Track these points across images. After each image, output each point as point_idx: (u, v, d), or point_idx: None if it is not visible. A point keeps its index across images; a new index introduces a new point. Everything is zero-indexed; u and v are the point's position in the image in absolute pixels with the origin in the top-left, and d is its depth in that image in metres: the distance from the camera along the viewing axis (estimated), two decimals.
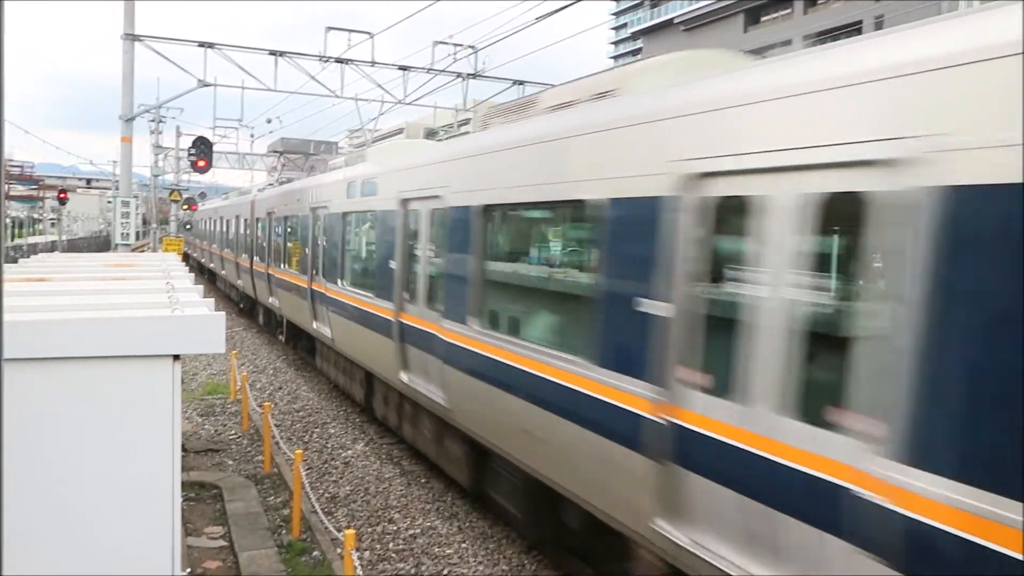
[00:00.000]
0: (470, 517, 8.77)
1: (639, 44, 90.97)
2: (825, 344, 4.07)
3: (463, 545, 8.02)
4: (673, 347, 4.86)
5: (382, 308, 10.21)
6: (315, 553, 7.63)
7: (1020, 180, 3.07)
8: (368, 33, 21.62)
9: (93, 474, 3.93)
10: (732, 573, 4.37)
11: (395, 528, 8.42)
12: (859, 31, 44.64)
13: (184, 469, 7.99)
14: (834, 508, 3.74)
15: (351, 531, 6.18)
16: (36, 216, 60.11)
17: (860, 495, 3.63)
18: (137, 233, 20.27)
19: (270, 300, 19.49)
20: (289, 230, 17.37)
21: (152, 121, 34.32)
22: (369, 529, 8.36)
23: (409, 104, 24.10)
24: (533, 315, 7.53)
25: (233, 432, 12.03)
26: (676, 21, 75.23)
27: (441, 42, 22.86)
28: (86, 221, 68.52)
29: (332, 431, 12.21)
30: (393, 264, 9.96)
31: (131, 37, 17.99)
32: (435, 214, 8.87)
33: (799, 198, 4.06)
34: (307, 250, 14.85)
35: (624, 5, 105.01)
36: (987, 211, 3.22)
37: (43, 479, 3.78)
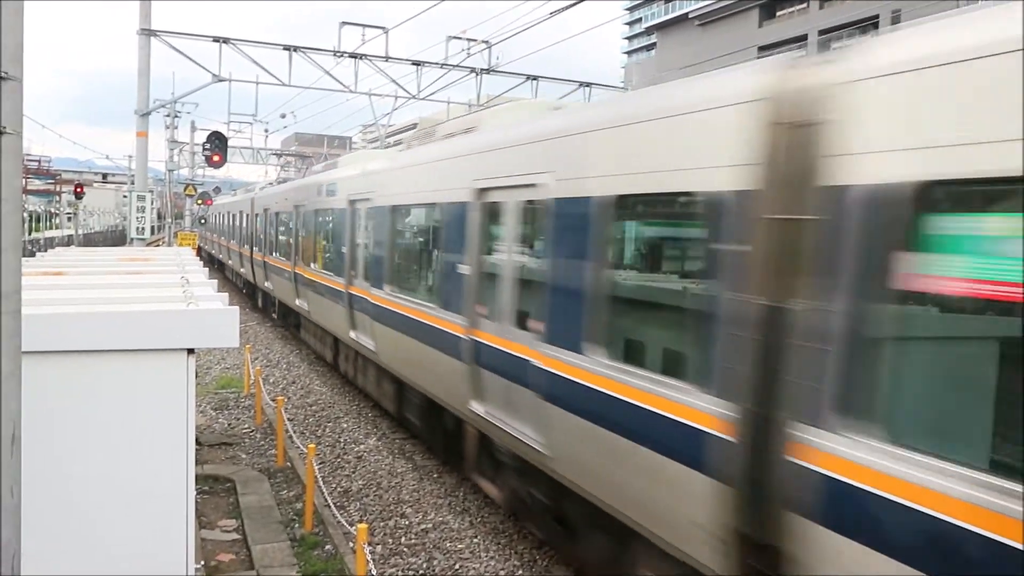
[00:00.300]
0: (482, 512, 8.78)
1: (653, 39, 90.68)
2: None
3: (475, 540, 8.04)
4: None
5: (447, 322, 8.50)
6: (327, 547, 7.67)
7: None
8: (382, 28, 21.62)
9: (109, 467, 3.96)
10: (506, 429, 7.20)
11: (407, 523, 8.44)
12: (876, 26, 44.26)
13: (198, 462, 8.04)
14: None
15: (363, 525, 6.21)
16: (53, 210, 60.54)
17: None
18: (152, 228, 20.36)
19: (297, 302, 17.74)
20: (319, 226, 15.85)
21: (167, 116, 34.48)
22: (381, 523, 8.39)
23: (423, 99, 24.10)
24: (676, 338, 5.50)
25: (247, 426, 12.10)
26: (690, 16, 74.88)
27: (455, 37, 22.83)
28: (102, 215, 68.99)
29: (345, 426, 12.26)
30: (464, 269, 8.20)
31: (147, 32, 18.07)
32: (529, 208, 7.14)
33: (517, 204, 7.22)
34: (344, 249, 13.24)
35: (638, 0, 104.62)
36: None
37: (59, 471, 3.81)
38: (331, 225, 14.67)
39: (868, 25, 48.20)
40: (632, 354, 5.66)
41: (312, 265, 15.81)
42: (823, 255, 3.95)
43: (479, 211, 7.99)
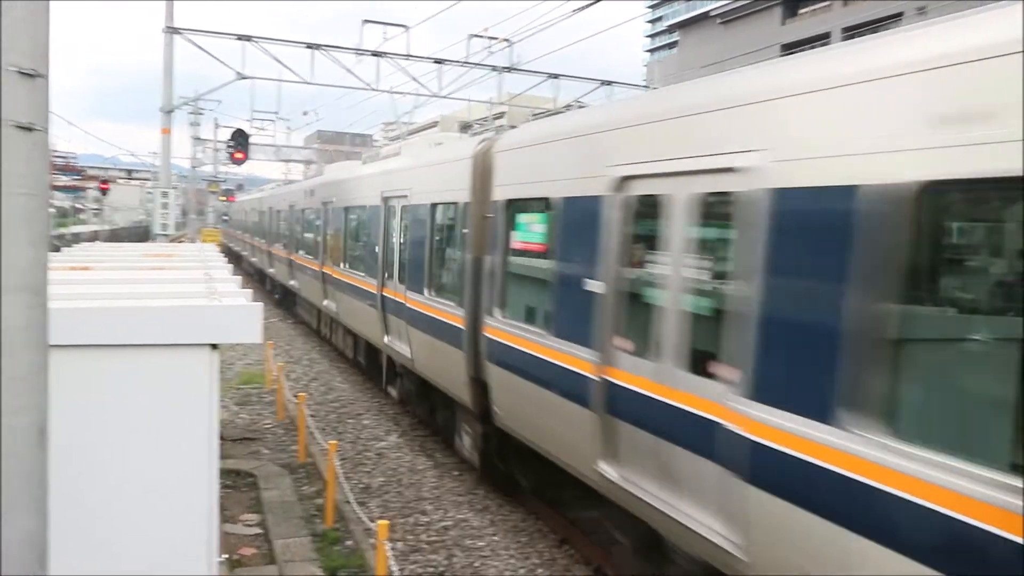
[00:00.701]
0: (502, 510, 8.78)
1: (675, 37, 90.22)
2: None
3: (495, 538, 8.04)
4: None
5: (569, 357, 6.62)
6: (348, 542, 7.69)
7: None
8: (404, 26, 21.68)
9: (134, 460, 3.99)
10: (659, 507, 5.56)
11: (427, 520, 8.45)
12: (899, 23, 43.79)
13: (221, 457, 8.09)
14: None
15: (384, 522, 6.21)
16: (79, 206, 61.26)
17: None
18: (176, 224, 20.55)
19: (324, 303, 17.09)
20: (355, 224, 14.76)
21: (191, 113, 34.79)
22: (402, 520, 8.41)
23: (444, 97, 24.13)
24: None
25: (269, 421, 12.17)
26: (712, 15, 74.43)
27: (476, 35, 22.86)
28: (127, 211, 69.67)
29: (366, 422, 12.30)
30: (593, 286, 6.26)
31: (172, 31, 18.23)
32: (712, 203, 5.20)
33: (692, 198, 5.35)
34: (423, 254, 10.55)
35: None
36: None
37: (84, 464, 3.84)
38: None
39: (892, 22, 47.69)
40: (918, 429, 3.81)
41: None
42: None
43: (620, 208, 6.03)
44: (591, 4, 17.12)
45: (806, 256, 4.37)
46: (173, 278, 5.60)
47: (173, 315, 4.01)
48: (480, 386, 8.72)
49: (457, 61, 22.81)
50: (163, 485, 4.01)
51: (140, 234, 50.39)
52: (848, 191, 4.03)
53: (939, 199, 3.83)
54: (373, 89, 22.83)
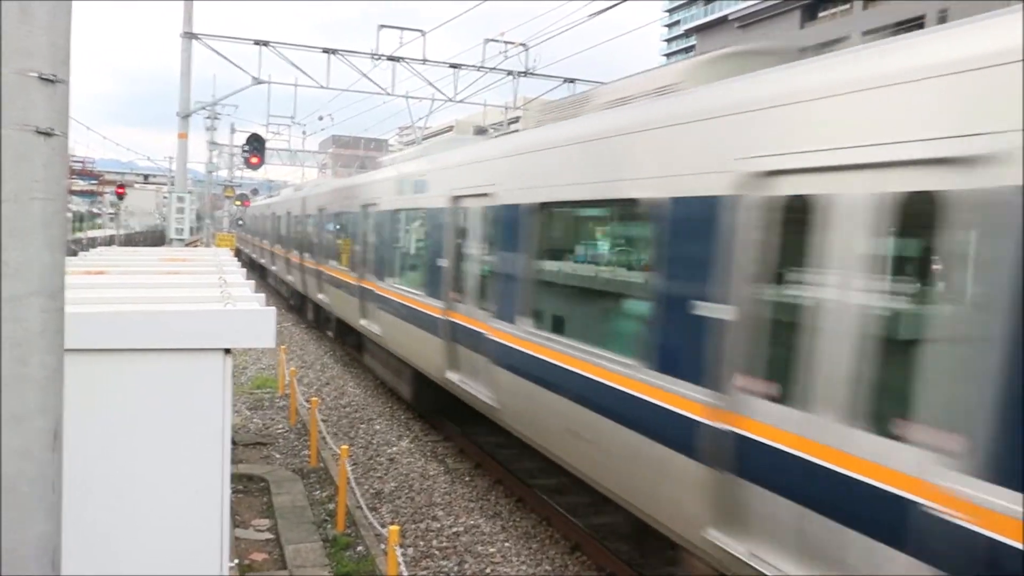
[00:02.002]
0: (513, 516, 8.76)
1: (692, 42, 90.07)
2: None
3: (506, 544, 8.02)
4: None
5: (671, 396, 5.39)
6: (359, 548, 7.69)
7: None
8: (420, 31, 21.75)
9: (146, 464, 4.00)
10: None
11: (439, 525, 8.44)
12: (921, 26, 43.49)
13: (233, 461, 8.12)
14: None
15: (395, 527, 6.21)
16: (95, 210, 61.76)
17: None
18: (191, 228, 20.67)
19: (362, 322, 14.52)
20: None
21: (208, 118, 35.01)
22: (413, 526, 8.40)
23: (459, 102, 24.18)
24: None
25: (281, 426, 12.20)
26: (731, 18, 74.27)
27: (492, 40, 22.89)
28: (142, 216, 70.19)
29: (378, 427, 12.31)
30: (712, 310, 5.00)
31: (189, 36, 18.36)
32: (922, 204, 3.83)
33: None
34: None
35: (678, 2, 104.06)
36: None
37: (96, 468, 3.86)
38: (425, 230, 11.18)
39: (913, 25, 47.43)
40: None
41: (388, 280, 12.50)
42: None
43: (758, 211, 4.72)
44: (607, 8, 17.12)
45: None
46: (187, 282, 5.62)
47: (187, 320, 4.03)
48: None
49: (473, 66, 22.86)
50: (175, 489, 4.02)
51: (156, 238, 50.74)
52: None
53: None
54: (389, 94, 22.92)
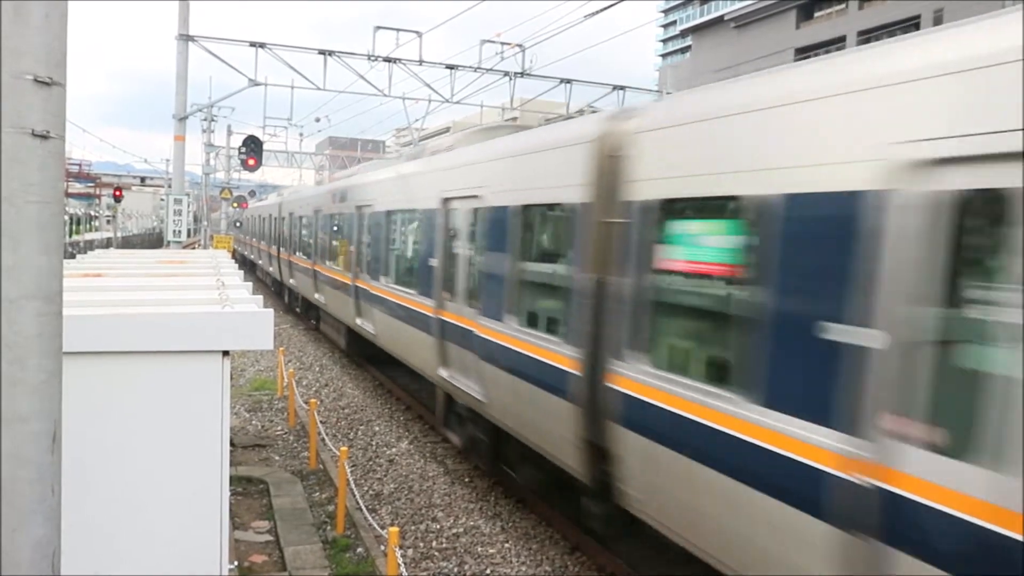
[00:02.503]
0: (513, 517, 8.75)
1: (688, 42, 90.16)
2: None
3: (506, 545, 8.01)
4: None
5: (789, 440, 4.39)
6: (359, 550, 7.69)
7: None
8: (416, 32, 21.73)
9: (144, 467, 4.00)
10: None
11: (438, 527, 8.44)
12: (917, 27, 43.59)
13: (232, 464, 8.11)
14: None
15: (395, 529, 6.21)
16: (93, 213, 61.70)
17: None
18: (188, 230, 20.66)
19: (357, 321, 14.83)
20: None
21: (204, 120, 34.99)
22: (412, 527, 8.39)
23: (456, 103, 24.18)
24: None
25: (280, 428, 12.19)
26: (726, 18, 74.35)
27: (489, 41, 22.89)
28: (140, 218, 70.19)
29: (377, 429, 12.30)
30: (852, 335, 4.04)
31: (185, 38, 18.34)
32: None
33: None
34: (504, 273, 8.09)
35: (673, 3, 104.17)
36: None
37: (95, 471, 3.85)
38: (416, 231, 11.41)
39: (909, 26, 47.48)
40: None
41: (382, 280, 13.01)
42: (624, 247, 6.12)
43: (924, 210, 3.77)
44: (604, 9, 17.13)
45: None
46: (185, 285, 5.62)
47: (184, 322, 4.02)
48: (597, 453, 6.46)
49: (470, 67, 22.87)
50: (173, 492, 4.02)
51: (153, 240, 50.72)
52: None
53: None
54: (385, 95, 22.91)
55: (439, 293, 10.05)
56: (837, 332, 4.09)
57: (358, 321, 14.59)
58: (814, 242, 4.32)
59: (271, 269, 29.81)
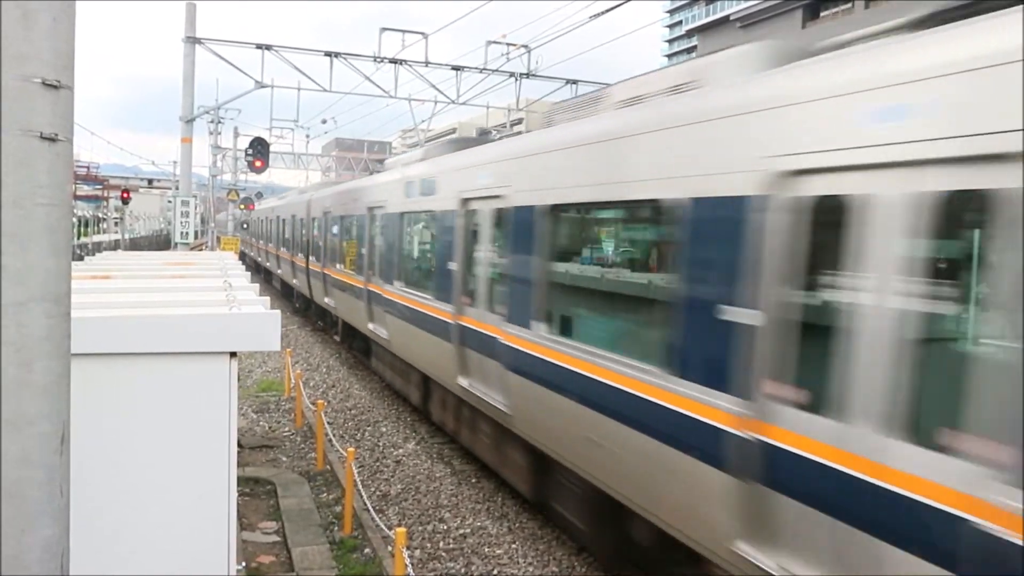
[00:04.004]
0: (520, 518, 8.75)
1: (694, 42, 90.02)
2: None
3: (513, 546, 8.01)
4: None
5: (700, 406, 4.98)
6: (366, 550, 7.70)
7: None
8: (422, 33, 21.77)
9: (152, 468, 4.01)
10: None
11: (445, 527, 8.44)
12: None
13: (239, 465, 8.13)
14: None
15: (402, 529, 6.22)
16: (100, 215, 61.87)
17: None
18: (196, 232, 20.72)
19: (370, 326, 14.26)
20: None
21: (211, 122, 35.06)
22: (420, 528, 8.40)
23: (462, 104, 24.20)
24: None
25: (287, 429, 12.21)
26: (732, 18, 74.19)
27: (494, 42, 22.91)
28: (147, 220, 70.35)
29: (384, 429, 12.31)
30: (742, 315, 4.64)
31: (192, 40, 18.40)
32: None
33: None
34: (533, 275, 7.51)
35: (679, 3, 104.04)
36: None
37: (103, 472, 3.87)
38: (436, 234, 10.67)
39: None
40: None
41: (397, 283, 12.37)
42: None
43: None
44: (609, 9, 17.10)
45: None
46: (192, 286, 5.63)
47: (192, 323, 4.03)
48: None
49: (475, 68, 22.88)
50: (181, 493, 4.03)
51: (161, 242, 50.85)
52: None
53: None
54: (391, 96, 22.94)
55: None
56: (730, 313, 4.77)
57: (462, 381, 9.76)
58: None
59: (295, 282, 25.31)
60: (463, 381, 9.38)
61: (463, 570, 7.47)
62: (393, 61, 21.62)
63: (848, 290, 4.11)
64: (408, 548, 6.43)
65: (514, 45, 22.77)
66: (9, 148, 2.23)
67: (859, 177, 4.03)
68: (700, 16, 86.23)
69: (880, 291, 3.90)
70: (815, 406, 4.27)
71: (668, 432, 5.34)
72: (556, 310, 7.37)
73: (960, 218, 3.78)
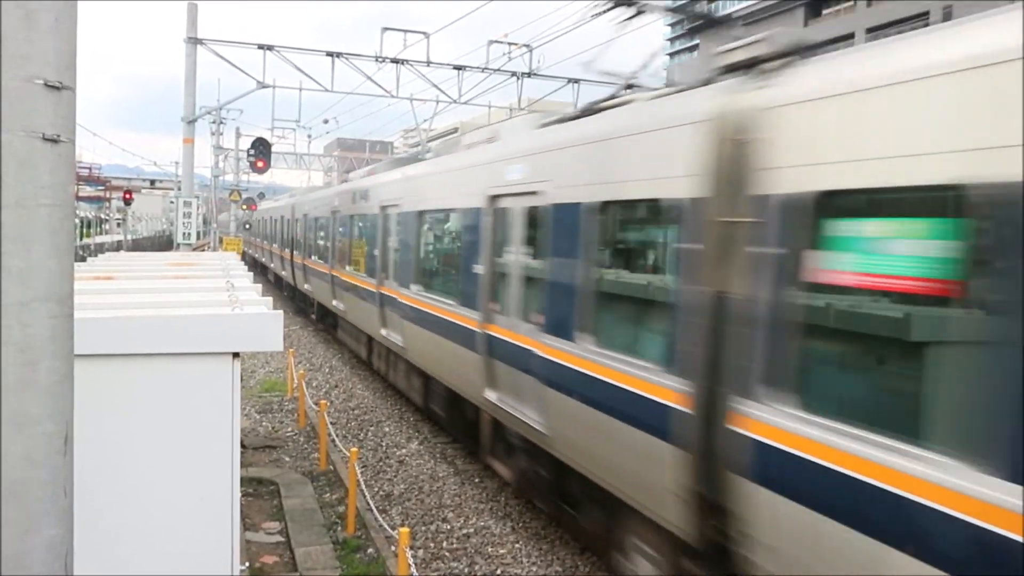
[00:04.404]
0: (523, 517, 8.75)
1: (696, 41, 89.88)
2: None
3: (516, 545, 8.01)
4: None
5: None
6: (369, 550, 7.70)
7: None
8: (423, 33, 21.77)
9: (155, 468, 4.01)
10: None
11: (449, 527, 8.44)
12: (926, 24, 43.35)
13: (243, 465, 8.13)
14: None
15: (405, 529, 6.22)
16: (103, 216, 61.96)
17: None
18: (198, 232, 20.74)
19: (382, 332, 13.51)
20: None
21: (213, 123, 35.10)
22: (423, 528, 8.40)
23: (464, 104, 24.21)
24: None
25: (290, 429, 12.22)
26: (734, 16, 74.15)
27: (496, 41, 22.91)
28: (150, 221, 70.46)
29: (387, 430, 12.32)
30: None
31: (194, 40, 18.41)
32: None
33: None
34: (579, 282, 6.88)
35: (680, 2, 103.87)
36: None
37: (107, 472, 3.87)
38: (456, 233, 10.31)
39: (918, 23, 47.22)
40: None
41: (413, 288, 11.74)
42: (761, 255, 4.82)
43: None
44: (610, 8, 17.10)
45: None
46: (195, 287, 5.63)
47: (194, 324, 4.04)
48: (711, 510, 5.16)
49: (477, 67, 22.88)
50: (184, 493, 4.03)
51: (163, 243, 50.90)
52: None
53: None
54: (393, 96, 22.95)
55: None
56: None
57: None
58: None
59: (356, 318, 18.12)
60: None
61: (466, 570, 7.47)
62: (395, 61, 21.62)
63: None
64: (412, 548, 6.42)
65: (516, 44, 22.78)
66: (11, 149, 2.23)
67: (508, 200, 8.27)
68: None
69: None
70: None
71: (460, 338, 9.06)
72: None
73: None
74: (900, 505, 3.65)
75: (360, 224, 16.20)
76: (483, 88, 24.33)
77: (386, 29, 21.65)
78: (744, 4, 73.27)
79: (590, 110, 7.72)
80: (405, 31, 21.94)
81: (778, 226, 4.56)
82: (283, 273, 28.60)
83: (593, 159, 6.76)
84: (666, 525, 5.66)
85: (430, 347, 10.77)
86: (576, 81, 23.35)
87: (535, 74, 23.05)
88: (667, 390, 5.44)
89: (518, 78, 23.16)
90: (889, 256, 4.07)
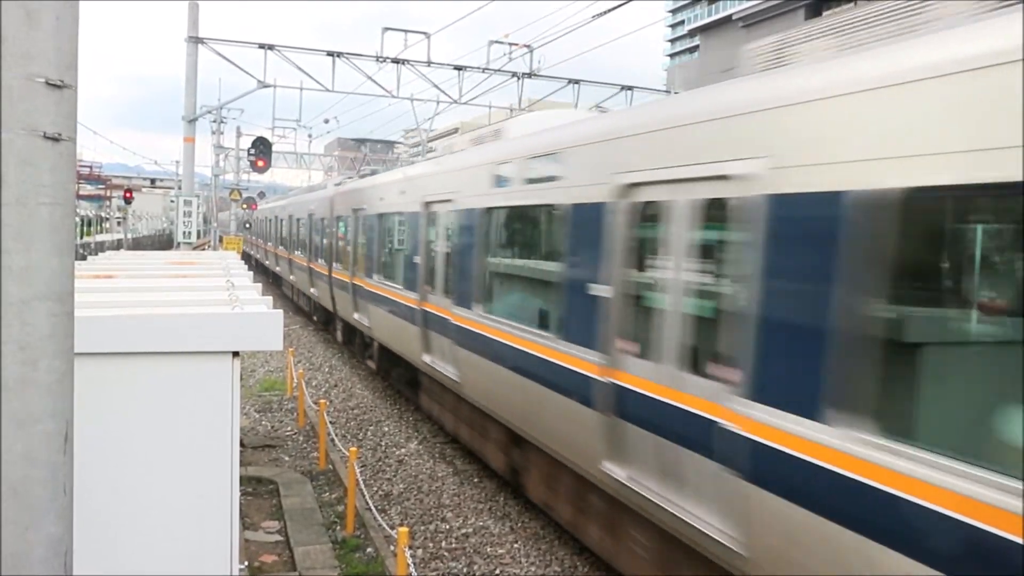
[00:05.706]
0: (522, 517, 8.76)
1: (696, 42, 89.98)
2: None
3: (515, 545, 8.01)
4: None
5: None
6: (368, 550, 7.70)
7: None
8: (424, 33, 21.78)
9: (155, 467, 4.01)
10: None
11: (447, 527, 8.44)
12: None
13: (242, 464, 8.14)
14: None
15: (404, 529, 6.22)
16: (103, 215, 61.95)
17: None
18: (198, 231, 20.74)
19: (425, 358, 10.95)
20: None
21: (214, 122, 35.10)
22: (422, 527, 8.41)
23: (464, 104, 24.21)
24: None
25: (289, 428, 12.22)
26: (734, 18, 74.14)
27: (496, 41, 22.92)
28: (150, 220, 70.45)
29: (386, 429, 12.32)
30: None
31: (195, 40, 18.42)
32: None
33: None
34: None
35: (681, 3, 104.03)
36: None
37: (106, 471, 3.87)
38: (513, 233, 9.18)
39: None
40: None
41: (475, 306, 9.09)
42: None
43: None
44: (612, 9, 17.11)
45: None
46: (195, 286, 5.64)
47: (194, 323, 4.04)
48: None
49: (477, 67, 22.89)
50: (183, 492, 4.03)
51: (163, 242, 50.90)
52: None
53: None
54: (394, 96, 22.95)
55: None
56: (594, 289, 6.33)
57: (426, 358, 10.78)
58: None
59: (314, 291, 20.56)
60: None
61: (465, 570, 7.48)
62: (395, 61, 21.63)
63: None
64: (410, 547, 6.42)
65: (516, 45, 22.78)
66: (13, 147, 2.24)
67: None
68: (702, 16, 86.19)
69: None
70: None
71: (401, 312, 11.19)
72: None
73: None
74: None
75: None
76: (483, 88, 24.34)
77: (387, 29, 21.67)
78: (745, 5, 73.26)
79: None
80: (406, 31, 21.95)
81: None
82: (313, 291, 21.43)
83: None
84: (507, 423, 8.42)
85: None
86: (576, 82, 23.36)
87: (535, 74, 23.05)
88: (524, 340, 7.70)
89: (518, 78, 23.17)
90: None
